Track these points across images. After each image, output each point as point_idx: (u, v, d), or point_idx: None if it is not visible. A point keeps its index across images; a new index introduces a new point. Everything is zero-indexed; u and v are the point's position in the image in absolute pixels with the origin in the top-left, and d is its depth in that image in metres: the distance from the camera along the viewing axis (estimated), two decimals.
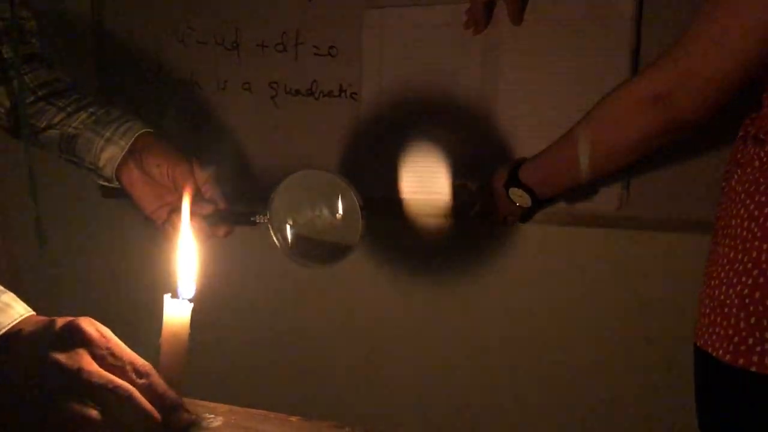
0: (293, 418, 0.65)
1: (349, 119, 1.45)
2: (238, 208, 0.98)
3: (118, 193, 1.64)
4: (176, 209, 0.95)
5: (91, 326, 0.59)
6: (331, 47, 1.44)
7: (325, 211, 0.93)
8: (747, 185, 0.85)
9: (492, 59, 1.32)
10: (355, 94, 1.44)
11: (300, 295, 1.58)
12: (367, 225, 0.90)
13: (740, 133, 0.92)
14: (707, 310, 0.88)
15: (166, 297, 0.64)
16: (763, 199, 0.82)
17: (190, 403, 0.67)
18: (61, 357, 0.56)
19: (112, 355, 0.58)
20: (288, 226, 0.93)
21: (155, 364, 0.61)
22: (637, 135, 0.94)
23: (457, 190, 1.32)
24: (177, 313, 0.64)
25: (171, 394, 0.60)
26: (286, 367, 1.60)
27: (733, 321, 0.83)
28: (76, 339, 0.57)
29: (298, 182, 0.93)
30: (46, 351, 0.56)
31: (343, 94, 1.45)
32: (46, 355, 0.56)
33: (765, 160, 0.83)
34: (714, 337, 0.86)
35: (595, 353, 1.37)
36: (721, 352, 0.84)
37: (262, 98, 1.51)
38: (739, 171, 0.88)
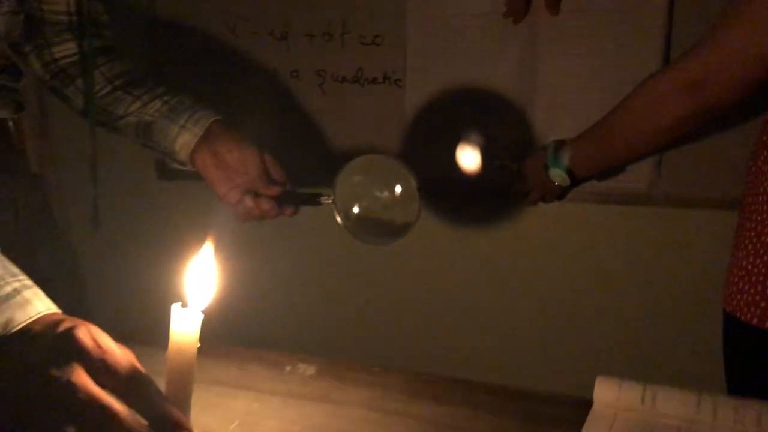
0: (375, 368, 0.75)
1: (393, 105, 1.54)
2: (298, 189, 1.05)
3: (173, 176, 1.78)
4: (247, 191, 1.01)
5: (86, 335, 0.54)
6: (376, 36, 1.53)
7: (386, 193, 1.00)
8: None
9: (530, 47, 1.41)
10: (399, 80, 1.53)
11: (363, 269, 1.68)
12: (422, 205, 0.97)
13: (766, 116, 1.00)
14: (735, 279, 0.97)
15: (175, 306, 0.57)
16: None
17: (284, 355, 0.77)
18: (53, 369, 0.52)
19: (106, 368, 0.53)
20: (352, 207, 0.99)
21: None
22: (672, 119, 1.01)
23: (498, 170, 1.40)
24: (185, 327, 0.57)
25: (173, 415, 0.54)
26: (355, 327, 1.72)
27: (760, 288, 0.92)
28: (70, 348, 0.53)
29: (360, 166, 1.00)
30: (38, 359, 0.53)
31: (387, 81, 1.54)
32: (37, 364, 0.52)
33: None
34: (742, 303, 0.95)
35: (627, 321, 1.46)
36: (749, 316, 0.94)
37: (310, 85, 1.60)
38: (765, 152, 0.96)
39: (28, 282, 0.59)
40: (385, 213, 1.01)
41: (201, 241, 0.65)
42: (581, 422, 0.62)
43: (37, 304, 0.58)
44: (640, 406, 0.62)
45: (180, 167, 1.07)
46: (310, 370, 0.75)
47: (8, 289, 0.57)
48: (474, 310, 1.62)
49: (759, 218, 0.94)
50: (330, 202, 0.98)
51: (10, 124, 1.03)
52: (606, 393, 0.64)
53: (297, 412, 0.66)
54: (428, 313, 1.67)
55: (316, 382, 0.73)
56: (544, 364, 1.55)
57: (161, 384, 0.56)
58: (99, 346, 0.54)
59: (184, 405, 0.58)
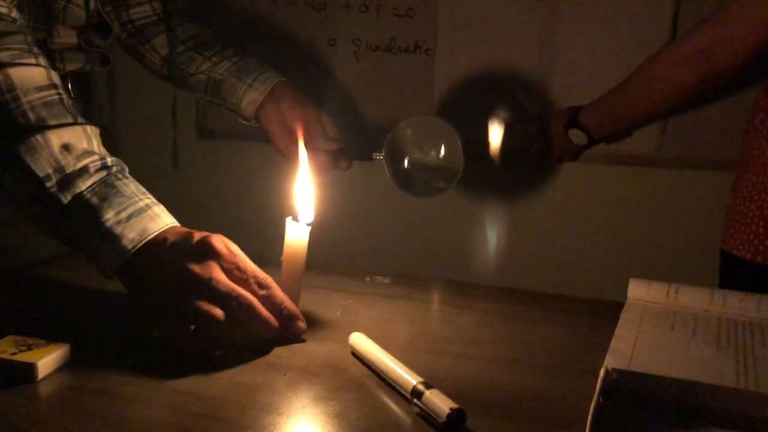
0: (439, 280, 0.91)
1: (423, 73, 1.68)
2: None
3: (213, 135, 1.91)
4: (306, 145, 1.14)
5: (221, 243, 0.66)
6: (409, 9, 1.67)
7: (433, 150, 1.10)
8: None
9: (551, 21, 1.56)
10: (429, 50, 1.67)
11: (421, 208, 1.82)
12: (463, 169, 1.06)
13: (765, 83, 1.15)
14: (733, 222, 1.14)
15: (288, 220, 0.71)
16: None
17: (361, 269, 0.93)
18: (196, 267, 0.64)
19: (238, 268, 0.66)
20: (401, 163, 1.10)
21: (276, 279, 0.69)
22: (681, 85, 1.16)
23: (519, 133, 1.55)
24: (297, 235, 0.71)
25: (289, 305, 0.69)
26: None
27: (754, 228, 1.09)
28: (209, 252, 0.65)
29: (409, 126, 1.10)
30: (184, 260, 0.65)
31: (418, 50, 1.68)
32: (184, 264, 0.64)
33: None
34: (738, 241, 1.11)
35: (632, 268, 1.62)
36: (743, 252, 1.10)
37: (346, 53, 1.74)
38: (761, 114, 1.12)
39: (155, 200, 0.71)
40: (431, 169, 1.11)
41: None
42: (614, 317, 0.77)
43: (165, 218, 0.70)
44: (665, 299, 0.78)
45: (244, 123, 1.17)
46: (386, 280, 0.90)
47: (141, 204, 0.69)
48: (508, 240, 1.76)
49: (753, 168, 1.10)
50: (381, 158, 1.08)
51: (94, 76, 1.15)
52: (638, 290, 0.79)
53: (384, 305, 0.82)
54: (472, 241, 1.80)
55: (393, 288, 0.88)
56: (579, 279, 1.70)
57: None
58: (230, 252, 0.67)
59: (296, 299, 0.73)
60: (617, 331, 0.70)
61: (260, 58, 1.19)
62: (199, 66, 1.16)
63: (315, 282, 0.87)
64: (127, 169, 0.73)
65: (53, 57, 1.02)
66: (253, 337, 0.67)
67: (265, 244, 0.77)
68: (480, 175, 1.72)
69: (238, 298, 0.64)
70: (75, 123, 0.71)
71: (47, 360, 0.62)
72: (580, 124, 1.36)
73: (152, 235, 0.67)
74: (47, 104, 0.70)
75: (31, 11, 0.96)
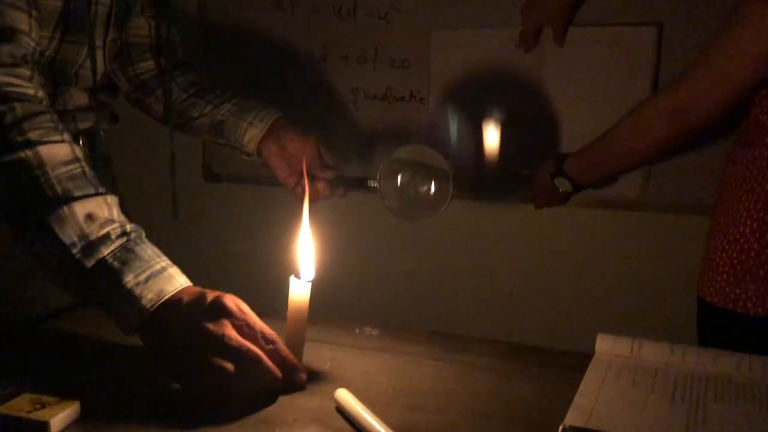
0: (425, 331, 0.97)
1: (417, 120, 1.76)
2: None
3: (220, 179, 1.98)
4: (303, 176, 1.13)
5: (232, 302, 0.74)
6: (404, 60, 1.75)
7: (423, 176, 1.14)
8: (737, 177, 1.16)
9: (539, 73, 1.64)
10: (424, 99, 1.75)
11: (409, 254, 1.91)
12: (454, 190, 1.11)
13: (735, 137, 1.22)
14: (706, 269, 1.20)
15: (292, 278, 0.78)
16: (748, 188, 1.13)
17: (350, 320, 0.99)
18: (210, 325, 0.72)
19: (248, 325, 0.74)
20: (394, 189, 1.14)
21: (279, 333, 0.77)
22: (659, 139, 1.22)
23: (510, 176, 1.63)
24: (299, 292, 0.77)
25: (291, 358, 0.77)
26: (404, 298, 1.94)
27: (724, 276, 1.15)
28: (221, 311, 0.73)
29: (401, 155, 1.15)
30: (199, 319, 0.73)
31: (413, 99, 1.76)
32: (199, 323, 0.73)
33: (750, 159, 1.14)
34: (711, 289, 1.17)
35: (617, 305, 1.69)
36: (716, 299, 1.16)
37: (345, 102, 1.82)
38: (731, 167, 1.18)
39: (170, 263, 0.79)
40: (422, 194, 1.15)
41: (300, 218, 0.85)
42: (585, 368, 0.83)
43: (179, 279, 0.77)
44: (629, 354, 0.84)
45: (247, 158, 1.23)
46: (375, 331, 0.97)
47: (158, 266, 0.77)
48: (496, 287, 1.84)
49: (726, 220, 1.16)
50: (375, 185, 1.13)
51: (102, 133, 1.22)
52: (605, 345, 0.85)
53: (372, 358, 0.88)
54: (456, 293, 1.89)
55: (381, 340, 0.94)
56: (556, 331, 1.77)
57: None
58: (241, 310, 0.75)
59: (300, 352, 0.81)
60: (581, 387, 0.76)
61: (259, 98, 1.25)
62: (201, 110, 1.23)
63: (309, 335, 0.93)
64: (143, 234, 0.80)
65: (66, 118, 1.09)
66: (259, 387, 0.74)
67: (274, 285, 0.83)
68: (466, 220, 1.79)
69: (247, 353, 0.72)
70: (97, 194, 0.79)
71: (59, 418, 0.68)
72: (564, 172, 1.42)
73: (168, 295, 0.75)
74: (72, 177, 0.78)
75: (46, 76, 1.03)
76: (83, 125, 1.11)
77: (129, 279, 0.74)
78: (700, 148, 1.55)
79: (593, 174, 1.41)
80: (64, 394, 0.71)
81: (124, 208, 0.83)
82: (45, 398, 0.71)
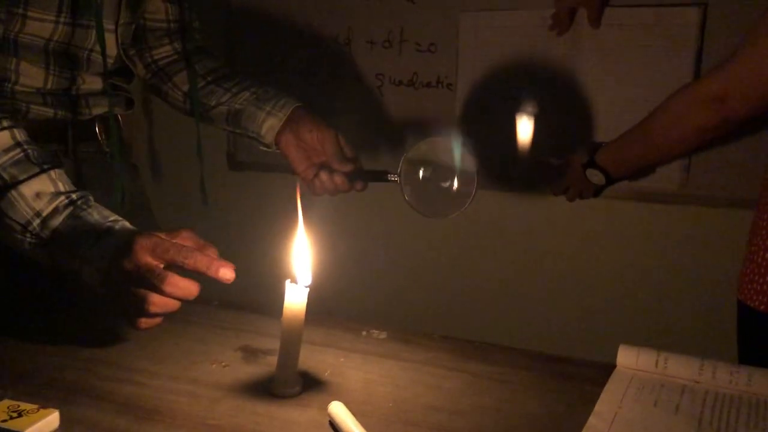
0: (435, 335, 0.91)
1: (445, 107, 1.69)
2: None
3: (244, 167, 1.95)
4: (323, 167, 1.13)
5: (146, 236, 0.79)
6: (431, 44, 1.68)
7: (447, 172, 1.09)
8: None
9: (573, 57, 1.55)
10: (451, 85, 1.68)
11: (424, 255, 1.86)
12: (478, 189, 1.06)
13: None
14: (748, 270, 1.11)
15: (287, 282, 0.74)
16: None
17: (359, 323, 0.94)
18: (126, 262, 0.77)
19: (157, 251, 0.78)
20: (416, 183, 1.09)
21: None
22: (695, 129, 1.14)
23: (541, 167, 1.55)
24: (296, 298, 0.74)
25: (214, 264, 0.78)
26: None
27: (767, 279, 1.06)
28: (135, 246, 0.78)
29: (424, 147, 1.10)
30: (118, 257, 0.78)
31: (440, 85, 1.69)
32: (118, 261, 0.78)
33: None
34: (752, 292, 1.09)
35: (654, 304, 1.60)
36: (757, 303, 1.07)
37: (370, 87, 1.76)
38: None
39: (117, 218, 0.85)
40: (445, 190, 1.10)
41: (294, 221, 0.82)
42: (605, 381, 0.77)
43: (125, 232, 0.82)
44: (654, 369, 0.77)
45: (265, 149, 1.19)
46: (382, 335, 0.91)
47: (105, 227, 0.82)
48: (516, 290, 1.78)
49: (767, 218, 1.07)
50: (396, 179, 1.08)
51: (120, 119, 1.20)
52: (627, 358, 0.79)
53: (375, 365, 0.82)
54: (475, 292, 1.83)
55: (388, 344, 0.89)
56: (576, 337, 1.70)
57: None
58: (149, 238, 0.79)
59: (295, 360, 0.76)
60: (598, 406, 0.69)
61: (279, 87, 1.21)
62: (219, 98, 1.19)
63: (311, 337, 0.88)
64: (90, 198, 0.87)
65: (79, 102, 1.07)
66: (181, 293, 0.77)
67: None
68: (490, 213, 1.72)
69: (154, 275, 0.77)
70: (41, 172, 0.85)
71: (36, 427, 0.65)
72: (597, 163, 1.35)
73: (115, 249, 0.80)
74: (16, 162, 0.85)
75: (56, 61, 1.01)
76: (97, 110, 1.09)
77: (81, 242, 0.81)
78: (746, 136, 1.44)
79: (628, 165, 1.33)
80: (47, 401, 0.68)
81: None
82: (24, 405, 0.68)
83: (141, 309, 0.77)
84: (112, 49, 1.07)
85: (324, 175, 1.12)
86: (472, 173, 1.07)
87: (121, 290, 0.78)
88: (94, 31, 1.00)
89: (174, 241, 0.80)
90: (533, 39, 1.57)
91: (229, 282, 0.79)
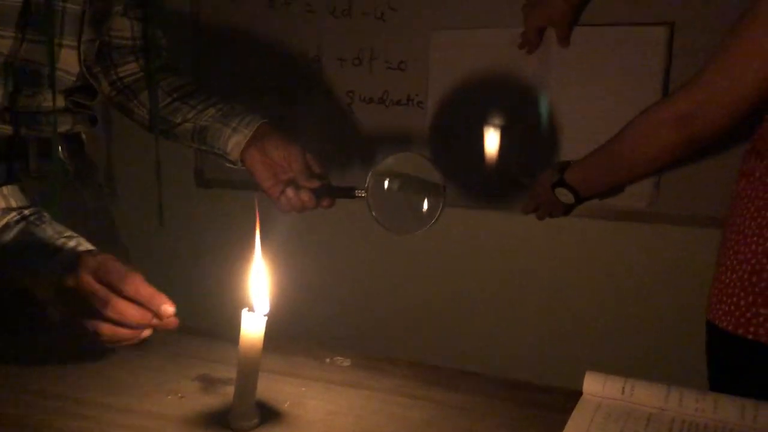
0: (399, 361, 0.89)
1: (416, 125, 1.68)
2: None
3: (212, 184, 1.92)
4: (289, 184, 1.11)
5: (91, 256, 0.78)
6: (401, 62, 1.67)
7: (413, 187, 1.09)
8: (749, 191, 1.06)
9: (542, 75, 1.54)
10: (421, 102, 1.67)
11: (387, 279, 1.85)
12: (445, 204, 1.05)
13: (747, 146, 1.13)
14: (716, 291, 1.10)
15: (244, 311, 0.72)
16: (761, 203, 1.03)
17: (323, 349, 0.91)
18: (69, 280, 0.76)
19: (99, 273, 0.76)
20: (382, 199, 1.07)
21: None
22: (664, 148, 1.14)
23: (511, 185, 1.54)
24: (253, 327, 0.71)
25: (156, 299, 0.77)
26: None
27: (734, 299, 1.05)
28: (80, 266, 0.77)
29: (391, 163, 1.09)
30: (63, 276, 0.77)
31: (410, 103, 1.68)
32: (63, 280, 0.77)
33: (763, 171, 1.04)
34: (720, 312, 1.08)
35: (621, 325, 1.60)
36: (726, 323, 1.06)
37: (341, 104, 1.74)
38: (743, 179, 1.09)
39: (72, 234, 0.84)
40: (411, 206, 1.09)
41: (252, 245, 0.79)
42: (572, 409, 0.75)
43: (79, 249, 0.81)
44: (620, 396, 0.75)
45: (231, 166, 1.18)
46: (346, 362, 0.89)
47: (57, 243, 0.82)
48: (484, 312, 1.76)
49: (737, 237, 1.07)
50: (363, 195, 1.07)
51: (83, 137, 1.17)
52: (593, 385, 0.77)
53: (337, 395, 0.80)
54: (442, 315, 1.81)
55: (352, 372, 0.87)
56: (544, 361, 1.68)
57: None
58: (96, 261, 0.77)
59: (253, 391, 0.73)
60: None
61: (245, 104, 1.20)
62: (185, 115, 1.18)
63: (271, 365, 0.86)
64: (44, 215, 0.87)
65: (41, 120, 1.05)
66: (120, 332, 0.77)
67: None
68: (459, 229, 1.71)
69: (96, 298, 0.75)
70: None
71: None
72: (566, 182, 1.34)
73: (64, 266, 0.78)
74: None
75: (16, 77, 0.99)
76: (61, 128, 1.07)
77: (33, 259, 0.81)
78: (716, 154, 1.44)
79: (596, 184, 1.32)
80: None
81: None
82: None
83: (90, 335, 0.76)
84: (74, 66, 1.05)
85: (290, 192, 1.10)
86: (439, 189, 1.06)
87: (71, 310, 0.77)
88: (54, 47, 0.98)
89: (122, 265, 0.78)
90: (503, 57, 1.57)
91: (169, 325, 0.78)
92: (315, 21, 1.73)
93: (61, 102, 1.05)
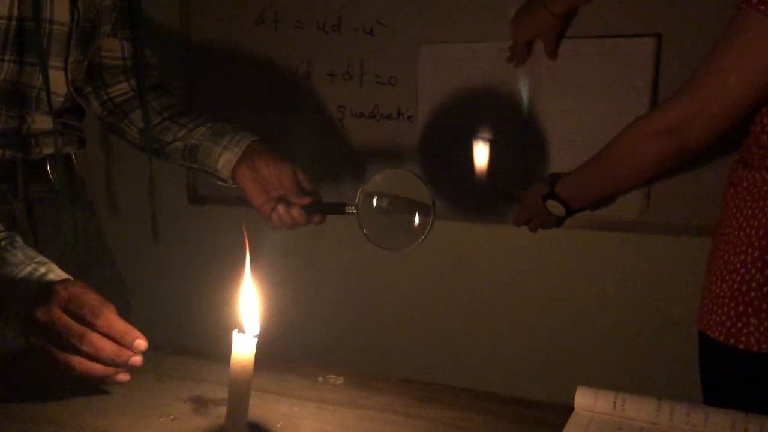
0: (393, 378, 0.89)
1: (406, 139, 1.68)
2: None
3: (204, 201, 1.92)
4: (280, 201, 1.13)
5: (62, 287, 0.76)
6: (391, 77, 1.68)
7: (403, 204, 1.10)
8: (737, 201, 1.07)
9: (531, 88, 1.55)
10: (411, 117, 1.67)
11: (378, 297, 1.85)
12: (434, 220, 1.07)
13: (735, 157, 1.14)
14: (707, 301, 1.11)
15: (234, 333, 0.72)
16: (749, 213, 1.04)
17: (315, 368, 0.91)
18: (39, 312, 0.75)
19: (75, 306, 0.75)
20: (372, 215, 1.09)
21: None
22: (652, 159, 1.14)
23: (502, 198, 1.55)
24: (244, 349, 0.71)
25: (122, 329, 0.76)
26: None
27: (725, 309, 1.06)
28: (51, 298, 0.76)
29: (381, 180, 1.10)
30: (32, 306, 0.76)
31: (401, 117, 1.69)
32: (32, 312, 0.76)
33: (751, 181, 1.05)
34: (712, 322, 1.09)
35: (614, 336, 1.60)
36: (717, 334, 1.07)
37: (331, 119, 1.75)
38: (731, 189, 1.10)
39: (44, 260, 0.83)
40: (401, 222, 1.11)
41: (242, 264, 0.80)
42: (563, 424, 0.75)
43: (50, 276, 0.80)
44: (612, 410, 0.75)
45: (222, 184, 1.19)
46: (339, 380, 0.89)
47: (28, 269, 0.80)
48: (476, 325, 1.76)
49: (726, 247, 1.08)
50: (353, 211, 1.08)
51: (73, 157, 1.17)
52: (585, 399, 0.77)
53: (330, 415, 0.80)
54: (434, 329, 1.82)
55: (344, 390, 0.87)
56: (535, 375, 1.68)
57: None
58: (68, 292, 0.76)
59: (244, 411, 0.73)
60: None
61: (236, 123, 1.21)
62: (175, 134, 1.19)
63: (263, 385, 0.86)
64: (17, 239, 0.85)
65: (29, 142, 1.05)
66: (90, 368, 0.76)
67: None
68: (450, 243, 1.72)
69: (69, 331, 0.74)
70: None
71: None
72: (557, 195, 1.34)
73: (32, 296, 0.78)
74: None
75: (3, 100, 0.99)
76: (47, 150, 1.07)
77: (1, 286, 0.79)
78: (705, 163, 1.45)
79: (586, 197, 1.33)
80: None
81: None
82: None
83: (61, 368, 0.75)
84: (61, 88, 1.05)
85: (281, 209, 1.11)
86: (429, 204, 1.07)
87: (40, 341, 0.75)
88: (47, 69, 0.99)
89: (95, 297, 0.77)
90: (491, 71, 1.58)
91: (135, 363, 0.77)
92: (305, 37, 1.73)
93: (48, 123, 1.05)
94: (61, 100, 1.07)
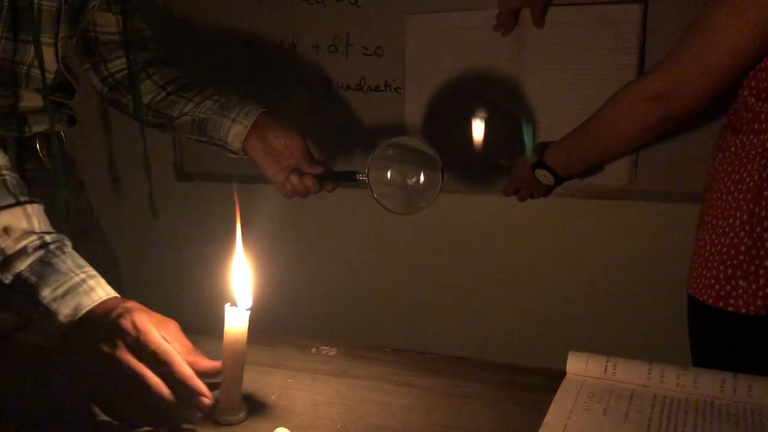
0: (386, 348, 0.90)
1: (394, 110, 1.67)
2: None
3: (192, 177, 1.91)
4: (292, 170, 1.13)
5: (128, 321, 0.71)
6: (377, 48, 1.66)
7: (412, 168, 1.12)
8: (726, 166, 1.08)
9: (518, 57, 1.55)
10: (399, 88, 1.66)
11: (370, 268, 1.85)
12: (443, 179, 1.10)
13: (723, 122, 1.14)
14: (695, 265, 1.12)
15: (227, 306, 0.72)
16: (737, 177, 1.04)
17: (309, 339, 0.92)
18: (104, 345, 0.70)
19: (138, 345, 0.70)
20: (383, 182, 1.12)
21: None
22: (639, 127, 1.15)
23: (491, 168, 1.54)
24: (237, 322, 0.71)
25: (191, 381, 0.70)
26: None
27: (714, 272, 1.07)
28: (116, 331, 0.70)
29: (390, 147, 1.13)
30: (98, 341, 0.70)
31: (388, 89, 1.67)
32: (97, 345, 0.70)
33: (739, 146, 1.06)
34: (701, 285, 1.10)
35: (604, 301, 1.61)
36: (706, 296, 1.08)
37: (317, 93, 1.74)
38: (720, 154, 1.10)
39: (93, 272, 0.77)
40: (411, 186, 1.14)
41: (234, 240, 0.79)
42: (557, 389, 0.76)
43: (99, 291, 0.75)
44: (603, 374, 0.76)
45: (232, 156, 1.18)
46: (332, 351, 0.89)
47: (76, 279, 0.74)
48: (467, 295, 1.77)
49: (714, 212, 1.08)
50: (364, 178, 1.10)
51: (63, 135, 1.16)
52: (577, 365, 0.78)
53: (323, 385, 0.81)
54: (425, 300, 1.82)
55: (338, 360, 0.87)
56: (528, 341, 1.70)
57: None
58: (136, 328, 0.70)
59: (238, 383, 0.74)
60: (548, 417, 0.69)
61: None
62: (182, 109, 1.19)
63: (257, 357, 0.86)
64: (67, 244, 0.78)
65: (19, 120, 1.04)
66: (152, 413, 0.69)
67: None
68: (442, 216, 1.72)
69: (131, 373, 0.68)
70: (16, 203, 0.76)
71: None
72: (545, 164, 1.35)
73: (84, 311, 0.73)
74: None
75: None
76: (37, 128, 1.06)
77: (46, 294, 0.73)
78: (692, 131, 1.46)
79: (575, 165, 1.33)
80: None
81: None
82: None
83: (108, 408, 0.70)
84: (51, 64, 1.04)
85: (294, 179, 1.12)
86: (437, 167, 1.11)
87: (82, 362, 0.71)
88: (32, 47, 0.97)
89: (160, 335, 0.72)
90: (478, 40, 1.57)
91: (199, 416, 0.70)
92: (288, 9, 1.71)
93: (39, 101, 1.04)
94: (51, 77, 1.05)
